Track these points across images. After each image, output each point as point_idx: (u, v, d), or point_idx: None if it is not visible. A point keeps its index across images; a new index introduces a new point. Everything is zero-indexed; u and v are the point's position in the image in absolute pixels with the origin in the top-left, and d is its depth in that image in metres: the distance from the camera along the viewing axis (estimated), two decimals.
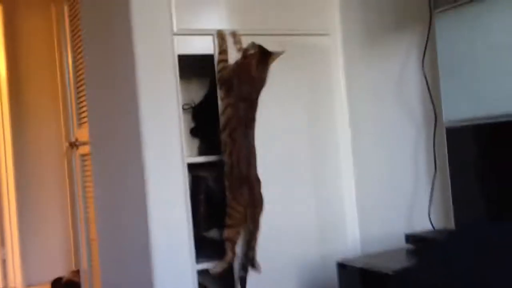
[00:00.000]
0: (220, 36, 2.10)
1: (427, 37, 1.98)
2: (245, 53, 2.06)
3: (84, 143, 3.34)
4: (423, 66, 2.01)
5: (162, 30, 2.06)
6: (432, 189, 2.04)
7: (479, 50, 1.82)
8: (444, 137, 1.94)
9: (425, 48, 2.00)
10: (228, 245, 2.05)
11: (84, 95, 3.35)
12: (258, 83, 2.07)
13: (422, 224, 2.14)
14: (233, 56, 2.13)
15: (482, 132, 1.83)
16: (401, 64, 2.20)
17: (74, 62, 3.41)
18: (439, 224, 2.04)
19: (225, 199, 2.20)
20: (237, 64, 2.07)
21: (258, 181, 2.08)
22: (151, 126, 2.03)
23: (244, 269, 2.06)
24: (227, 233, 2.05)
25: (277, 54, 2.08)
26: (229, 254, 2.05)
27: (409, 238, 1.86)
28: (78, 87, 3.41)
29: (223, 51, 2.09)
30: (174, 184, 2.06)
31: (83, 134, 3.37)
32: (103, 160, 2.62)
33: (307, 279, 2.29)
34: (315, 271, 2.31)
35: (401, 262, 1.73)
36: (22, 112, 5.03)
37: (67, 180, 5.05)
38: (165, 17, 2.06)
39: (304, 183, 2.33)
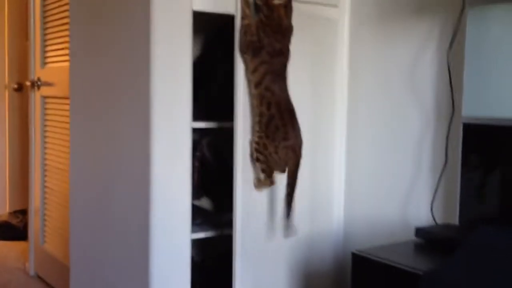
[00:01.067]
0: (244, 0, 1.95)
1: (456, 29, 1.93)
2: (270, 3, 1.92)
3: (48, 84, 3.11)
4: (448, 57, 1.96)
5: None
6: (439, 182, 2.02)
7: (509, 52, 1.80)
8: (460, 132, 1.92)
9: (453, 39, 1.94)
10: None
11: (49, 34, 3.11)
12: (288, 32, 1.98)
13: (416, 215, 2.14)
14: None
15: (501, 133, 1.82)
16: (415, 50, 2.14)
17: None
18: (438, 219, 2.03)
19: (218, 167, 2.12)
20: (263, 19, 1.94)
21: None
22: (161, 84, 1.88)
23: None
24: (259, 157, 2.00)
25: None
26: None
27: (420, 232, 1.84)
28: (45, 23, 3.15)
29: (246, 16, 1.94)
30: (179, 148, 1.93)
31: (47, 74, 3.14)
32: (86, 107, 2.43)
33: (296, 251, 2.26)
34: (303, 247, 2.29)
35: (421, 260, 1.71)
36: None
37: (6, 119, 4.74)
38: None
39: None
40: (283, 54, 1.97)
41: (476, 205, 1.90)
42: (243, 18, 1.94)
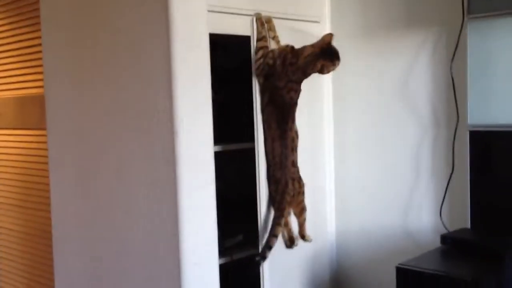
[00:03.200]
0: (260, 21, 1.91)
1: (457, 41, 2.00)
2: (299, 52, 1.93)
3: None
4: (451, 68, 2.02)
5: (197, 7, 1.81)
6: (446, 189, 2.08)
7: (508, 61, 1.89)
8: (466, 139, 1.98)
9: (455, 51, 2.01)
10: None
11: None
12: (306, 71, 1.96)
13: (416, 223, 2.19)
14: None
15: (508, 138, 1.90)
16: (405, 62, 2.19)
17: None
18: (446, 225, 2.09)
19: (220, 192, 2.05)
20: (289, 54, 1.93)
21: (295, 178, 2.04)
22: (185, 109, 1.77)
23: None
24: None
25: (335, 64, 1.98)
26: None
27: (447, 239, 1.87)
28: None
29: (262, 37, 1.91)
30: (204, 175, 1.84)
31: None
32: (79, 141, 2.23)
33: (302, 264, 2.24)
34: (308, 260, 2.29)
35: (465, 267, 1.73)
36: None
37: None
38: None
39: None
40: (291, 91, 1.96)
41: (486, 209, 1.97)
42: (259, 39, 1.90)
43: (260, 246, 2.05)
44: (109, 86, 2.03)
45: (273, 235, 1.99)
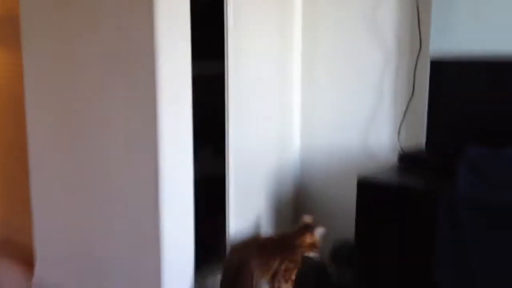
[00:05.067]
0: None
1: None
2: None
3: None
4: None
5: None
6: (405, 112, 2.24)
7: None
8: (427, 66, 2.11)
9: None
10: None
11: None
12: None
13: (376, 142, 2.36)
14: None
15: (466, 68, 2.04)
16: None
17: None
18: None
19: None
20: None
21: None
22: (165, 39, 1.87)
23: None
24: None
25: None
26: None
27: (403, 157, 2.04)
28: None
29: None
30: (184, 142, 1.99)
31: None
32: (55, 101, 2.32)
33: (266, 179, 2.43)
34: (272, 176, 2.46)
35: (424, 180, 1.90)
36: None
37: None
38: None
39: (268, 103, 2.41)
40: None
41: (440, 131, 2.13)
42: None
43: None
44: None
45: None
